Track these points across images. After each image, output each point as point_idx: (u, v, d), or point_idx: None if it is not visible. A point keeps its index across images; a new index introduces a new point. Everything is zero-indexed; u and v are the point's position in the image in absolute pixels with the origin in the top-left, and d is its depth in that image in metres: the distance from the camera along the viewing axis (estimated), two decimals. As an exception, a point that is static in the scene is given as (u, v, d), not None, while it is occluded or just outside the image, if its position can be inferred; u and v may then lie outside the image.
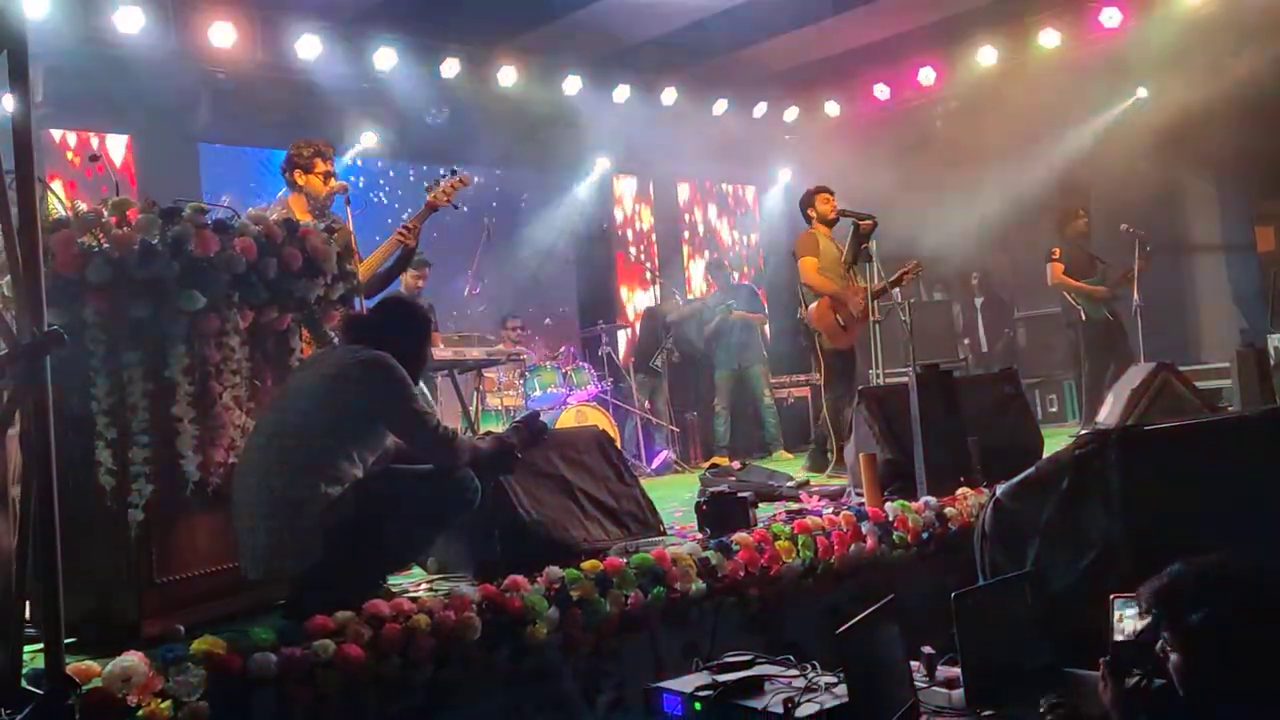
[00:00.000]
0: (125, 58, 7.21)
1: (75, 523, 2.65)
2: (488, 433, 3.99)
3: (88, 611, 2.91)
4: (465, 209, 5.14)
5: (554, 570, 3.36)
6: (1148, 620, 2.13)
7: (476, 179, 8.29)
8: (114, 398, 2.96)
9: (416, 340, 3.43)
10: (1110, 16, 8.77)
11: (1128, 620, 2.48)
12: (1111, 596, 2.56)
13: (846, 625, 2.30)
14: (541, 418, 3.80)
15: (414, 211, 5.22)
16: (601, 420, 7.82)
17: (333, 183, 4.91)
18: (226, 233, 3.17)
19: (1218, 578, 2.07)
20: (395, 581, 3.55)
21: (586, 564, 3.46)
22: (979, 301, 10.28)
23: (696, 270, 11.31)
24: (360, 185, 8.97)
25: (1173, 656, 2.07)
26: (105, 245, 2.93)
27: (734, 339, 8.94)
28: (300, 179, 4.88)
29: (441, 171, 5.29)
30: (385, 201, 8.98)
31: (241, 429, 3.27)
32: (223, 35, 7.53)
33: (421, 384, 5.12)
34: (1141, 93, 9.36)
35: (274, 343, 3.49)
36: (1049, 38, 9.19)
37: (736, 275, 10.73)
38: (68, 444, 2.90)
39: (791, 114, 10.94)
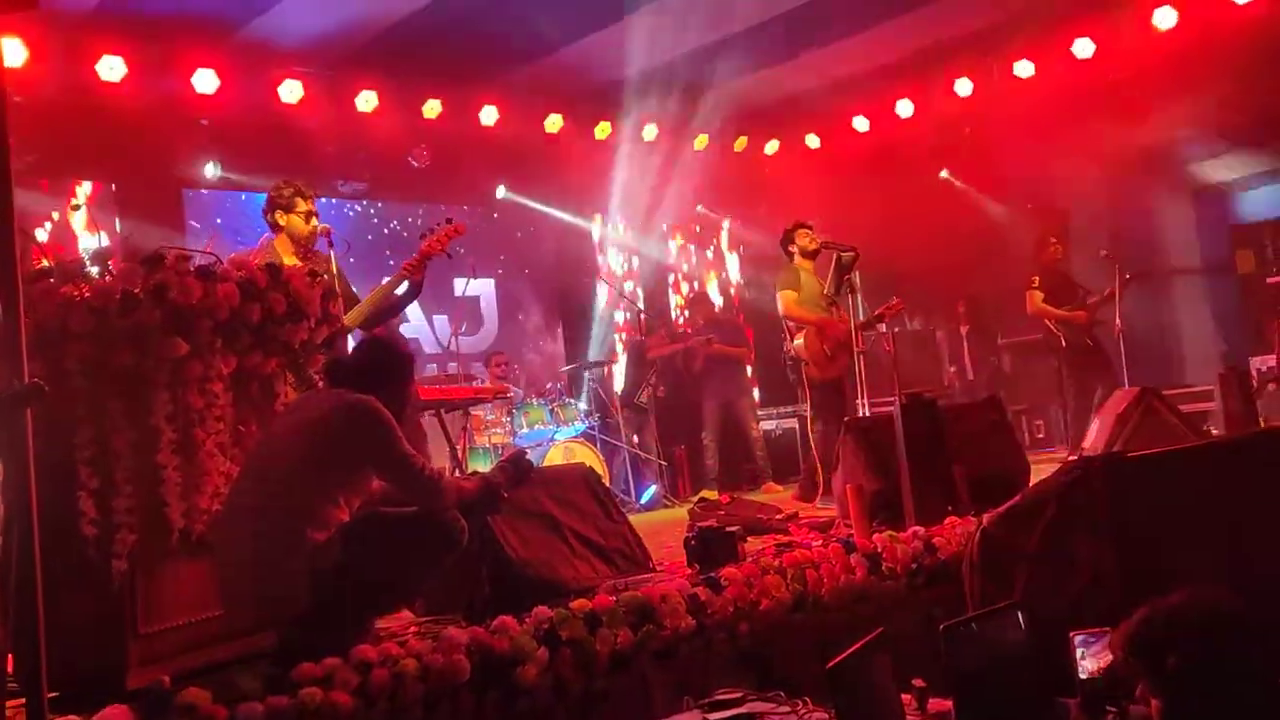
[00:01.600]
0: (107, 105, 7.24)
1: (58, 574, 2.63)
2: (474, 472, 3.97)
3: (71, 664, 2.87)
4: (451, 256, 5.16)
5: (542, 610, 3.34)
6: (1113, 657, 2.13)
7: (460, 207, 8.39)
8: (96, 446, 2.95)
9: (399, 381, 3.43)
10: (1083, 47, 8.91)
11: (1090, 658, 2.48)
12: (1071, 634, 2.56)
13: (836, 660, 2.29)
14: (528, 455, 3.79)
15: (399, 252, 5.26)
16: (589, 456, 7.81)
17: (314, 222, 4.92)
18: (209, 279, 3.17)
19: (1190, 619, 2.07)
20: (383, 625, 3.52)
21: (575, 603, 3.43)
22: (964, 329, 10.33)
23: (681, 303, 11.35)
24: (341, 227, 8.99)
25: (1154, 702, 2.06)
26: (87, 295, 2.93)
27: (717, 372, 8.98)
28: (282, 219, 4.89)
29: (430, 218, 5.36)
30: (368, 244, 8.99)
31: (226, 475, 3.25)
32: (206, 82, 7.57)
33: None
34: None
35: (258, 388, 3.49)
36: (1024, 68, 9.32)
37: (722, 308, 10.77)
38: (50, 494, 2.88)
39: (772, 147, 11.04)
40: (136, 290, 3.00)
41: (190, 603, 3.16)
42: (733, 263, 11.87)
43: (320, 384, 3.61)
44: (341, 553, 3.03)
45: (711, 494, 8.07)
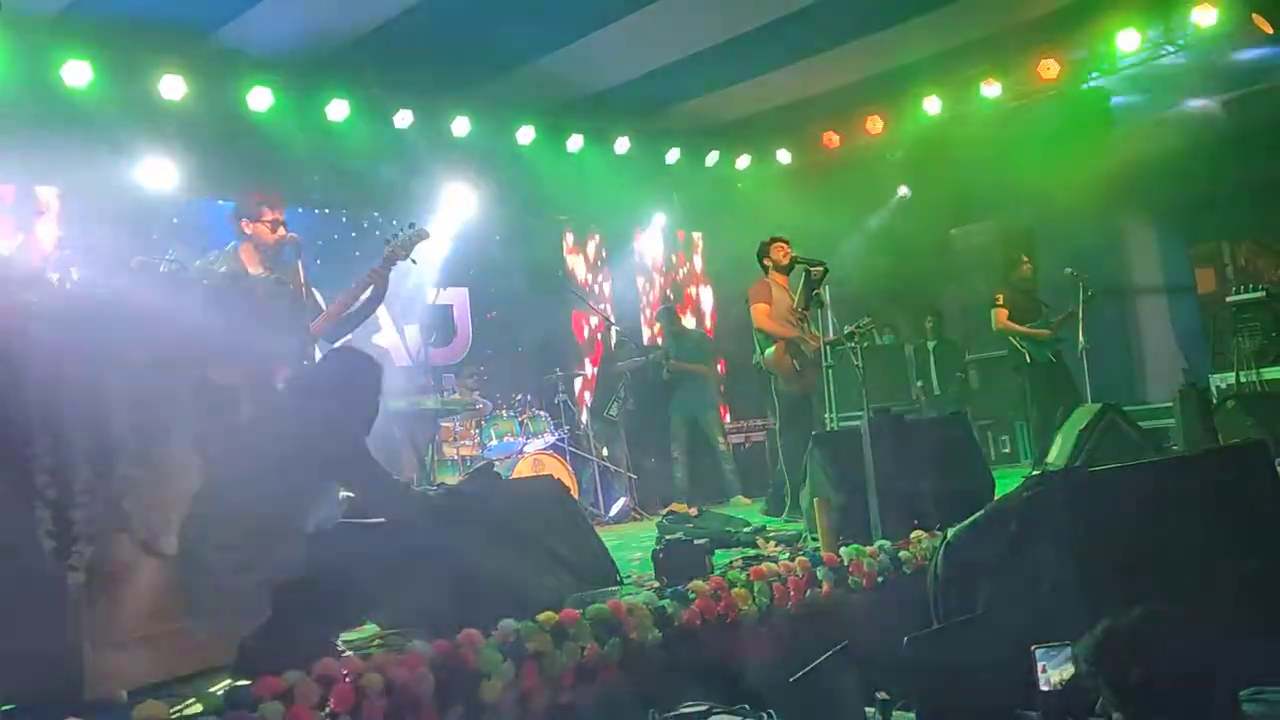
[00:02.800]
0: (72, 110, 7.16)
1: (13, 585, 2.58)
2: (442, 484, 3.95)
3: (26, 677, 2.82)
4: (415, 261, 5.14)
5: (508, 623, 3.32)
6: (1074, 669, 2.15)
7: (430, 217, 8.35)
8: (55, 457, 2.90)
9: (368, 393, 3.41)
10: (1048, 68, 9.05)
11: (1051, 672, 2.50)
12: (1032, 647, 2.59)
13: (798, 674, 2.29)
14: (496, 468, 3.78)
15: (369, 261, 5.21)
16: (559, 468, 7.79)
17: (281, 231, 4.88)
18: (172, 287, 3.14)
19: (1151, 632, 2.09)
20: (347, 638, 3.49)
21: (541, 616, 3.42)
22: (931, 344, 10.43)
23: (650, 317, 11.37)
24: (312, 236, 8.93)
25: (1115, 715, 2.08)
26: (48, 302, 2.89)
27: (684, 386, 9.01)
28: (248, 228, 4.84)
29: (397, 225, 5.32)
30: (338, 253, 8.93)
31: (188, 487, 3.21)
32: (172, 88, 7.50)
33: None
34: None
35: (221, 398, 3.45)
36: (991, 89, 9.45)
37: (694, 322, 10.81)
38: (6, 505, 2.84)
39: (744, 162, 11.10)
40: (99, 298, 2.96)
41: (149, 615, 3.11)
42: (699, 273, 11.92)
43: (286, 394, 3.59)
44: (305, 564, 3.00)
45: (681, 507, 8.07)
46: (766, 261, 6.98)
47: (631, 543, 5.80)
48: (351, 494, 3.30)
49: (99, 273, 3.05)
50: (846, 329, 6.74)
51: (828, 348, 6.39)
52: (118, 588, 3.04)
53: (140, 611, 3.10)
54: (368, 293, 4.98)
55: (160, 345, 3.09)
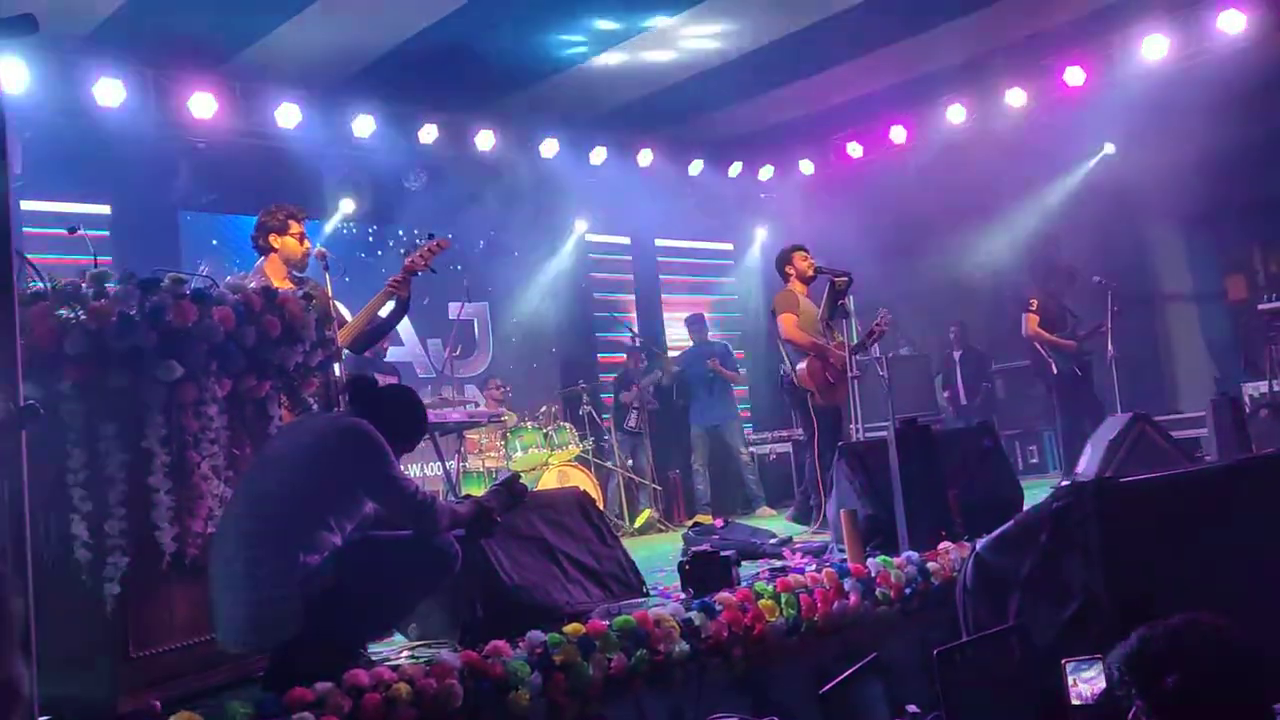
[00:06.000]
0: (105, 129, 7.28)
1: (50, 598, 2.62)
2: (467, 496, 3.97)
3: (62, 689, 2.85)
4: (435, 271, 5.18)
5: (536, 635, 3.33)
6: (1108, 684, 2.12)
7: (451, 237, 8.36)
8: (90, 470, 2.94)
9: (411, 430, 3.44)
10: (1074, 75, 9.00)
11: (1082, 684, 2.47)
12: (1063, 661, 2.56)
13: (828, 686, 2.29)
14: (521, 479, 3.79)
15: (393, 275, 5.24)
16: (583, 480, 7.81)
17: (308, 244, 4.93)
18: (205, 302, 3.18)
19: (1189, 640, 2.07)
20: (376, 649, 3.51)
21: (569, 627, 3.42)
22: (957, 354, 10.37)
23: (674, 328, 11.37)
24: (339, 250, 9.02)
25: None
26: (83, 317, 2.93)
27: (703, 397, 9.00)
28: (275, 241, 4.88)
29: (416, 233, 5.35)
30: (365, 266, 9.01)
31: (220, 498, 3.24)
32: (203, 106, 7.62)
33: None
34: (1109, 149, 9.59)
35: (253, 410, 3.49)
36: (1015, 97, 9.41)
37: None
38: (43, 518, 2.88)
39: (767, 173, 11.11)
40: (132, 313, 3.00)
41: (182, 627, 3.15)
42: (724, 284, 11.92)
43: (314, 407, 3.62)
44: (334, 577, 3.02)
45: (706, 518, 8.06)
46: (789, 270, 6.92)
47: (657, 554, 5.80)
48: (379, 506, 3.32)
49: (131, 287, 3.05)
50: (867, 330, 6.70)
51: (852, 358, 6.35)
52: (152, 600, 3.08)
53: (173, 623, 3.13)
54: (390, 304, 5.01)
55: (193, 358, 3.12)
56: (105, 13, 6.86)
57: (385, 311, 5.04)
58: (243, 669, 3.20)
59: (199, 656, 3.16)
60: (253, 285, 3.52)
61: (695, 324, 9.74)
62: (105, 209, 7.93)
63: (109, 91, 7.20)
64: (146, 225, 8.01)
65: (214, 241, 8.38)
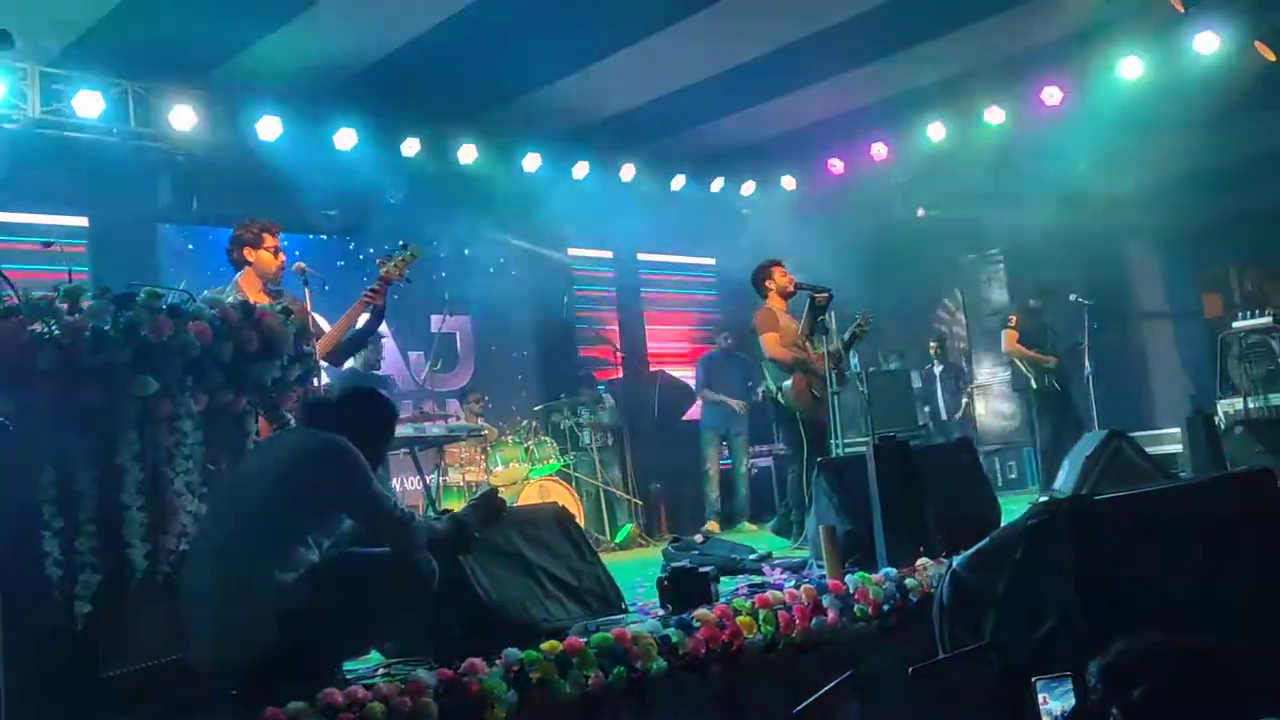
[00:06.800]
0: (83, 141, 7.24)
1: (19, 616, 2.59)
2: (444, 512, 3.95)
3: (32, 707, 2.82)
4: (410, 281, 5.20)
5: (512, 652, 3.31)
6: (1086, 693, 2.14)
7: (436, 244, 8.35)
8: (61, 486, 2.92)
9: (379, 431, 3.41)
10: (1051, 95, 9.09)
11: (1052, 702, 2.49)
12: (1033, 679, 2.58)
13: (801, 705, 2.29)
14: (500, 494, 3.77)
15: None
16: (565, 495, 7.79)
17: (283, 256, 4.95)
18: (181, 317, 3.17)
19: (1162, 654, 2.09)
20: (351, 667, 3.48)
21: (546, 645, 3.41)
22: (937, 370, 10.42)
23: (656, 342, 11.38)
24: (319, 263, 8.98)
25: None
26: (56, 332, 2.91)
27: (720, 405, 9.03)
28: (250, 255, 4.88)
29: (388, 247, 5.34)
30: (345, 277, 8.99)
31: (194, 515, 3.22)
32: (183, 118, 7.59)
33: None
34: (1083, 166, 9.69)
35: (229, 426, 3.47)
36: (994, 115, 9.49)
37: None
38: (13, 534, 2.85)
39: (749, 188, 11.15)
40: (106, 328, 2.98)
41: (154, 645, 3.12)
42: (707, 299, 11.94)
43: (293, 422, 3.60)
44: (309, 594, 3.00)
45: (715, 526, 8.05)
46: (769, 285, 6.86)
47: (637, 570, 5.79)
48: (356, 522, 3.30)
49: (106, 302, 3.03)
50: (845, 334, 6.70)
51: (832, 370, 6.35)
52: (123, 618, 3.05)
53: (145, 641, 3.10)
54: (366, 314, 5.00)
55: (169, 373, 3.10)
56: (86, 25, 6.83)
57: (361, 322, 5.03)
58: (215, 688, 3.16)
59: (171, 675, 3.13)
60: (230, 300, 3.51)
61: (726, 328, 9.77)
62: (83, 221, 7.87)
63: (88, 103, 7.16)
64: (125, 238, 7.95)
65: (190, 247, 8.32)
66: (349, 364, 6.24)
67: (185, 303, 3.24)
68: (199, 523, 3.19)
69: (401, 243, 5.16)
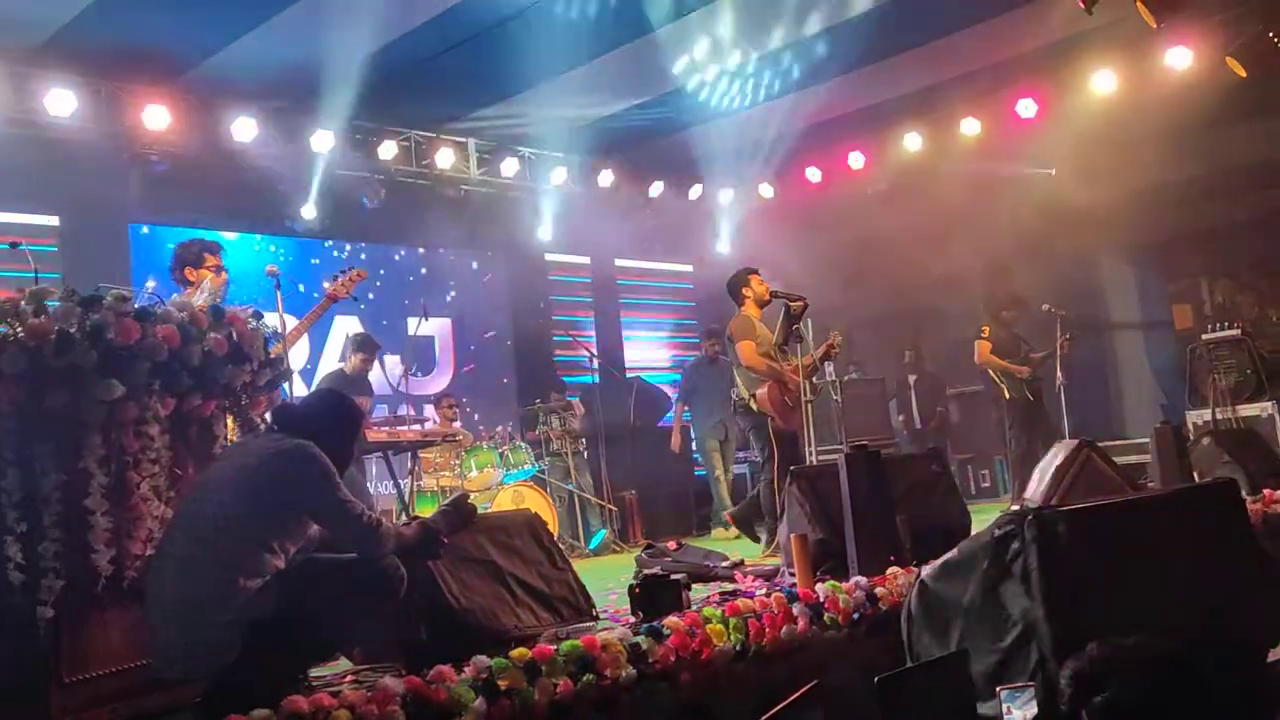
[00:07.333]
0: (55, 140, 7.18)
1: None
2: (414, 518, 3.94)
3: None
4: (356, 299, 5.64)
5: (481, 659, 3.29)
6: (1057, 698, 2.17)
7: (422, 251, 8.32)
8: (25, 490, 2.88)
9: (345, 433, 3.39)
10: (1026, 107, 9.18)
11: (1016, 712, 2.51)
12: (998, 689, 2.60)
13: (768, 715, 2.29)
14: (470, 500, 3.76)
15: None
16: (539, 499, 7.78)
17: (224, 275, 5.04)
18: (149, 320, 3.14)
19: (1126, 661, 2.11)
20: (319, 673, 3.46)
21: (515, 652, 3.39)
22: (912, 379, 10.48)
23: (633, 349, 11.39)
24: (295, 263, 8.96)
25: None
26: (20, 334, 2.89)
27: (721, 410, 9.01)
28: (192, 275, 4.98)
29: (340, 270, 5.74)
30: (319, 275, 8.95)
31: (160, 520, 3.19)
32: (157, 118, 7.54)
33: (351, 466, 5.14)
34: (1051, 171, 9.79)
35: (197, 430, 3.44)
36: (970, 126, 9.58)
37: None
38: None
39: (727, 196, 11.18)
40: (72, 330, 2.96)
41: (118, 651, 3.09)
42: (683, 306, 11.96)
43: (261, 428, 3.58)
44: (275, 601, 2.98)
45: (730, 531, 8.00)
46: (746, 292, 6.88)
47: (610, 576, 5.79)
48: (323, 528, 3.28)
49: (72, 305, 3.01)
50: (818, 351, 6.73)
51: (806, 380, 6.38)
52: (86, 623, 3.02)
53: (108, 648, 3.07)
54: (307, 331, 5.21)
55: (135, 377, 3.08)
56: (59, 24, 6.77)
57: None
58: (179, 695, 3.13)
59: (134, 682, 3.10)
60: (200, 303, 3.50)
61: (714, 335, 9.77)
62: (54, 220, 7.80)
63: (60, 102, 7.10)
64: (96, 238, 7.89)
65: (167, 247, 8.27)
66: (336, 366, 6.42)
67: (153, 305, 3.21)
68: (165, 528, 3.16)
69: (349, 265, 5.69)
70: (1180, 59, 8.35)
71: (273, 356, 3.59)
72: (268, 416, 3.58)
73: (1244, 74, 7.87)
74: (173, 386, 3.23)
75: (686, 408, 9.46)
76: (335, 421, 3.35)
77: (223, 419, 3.55)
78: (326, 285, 5.52)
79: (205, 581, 2.93)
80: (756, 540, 6.74)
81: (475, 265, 10.17)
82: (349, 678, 3.52)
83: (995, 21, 8.09)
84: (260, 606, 2.96)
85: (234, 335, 3.41)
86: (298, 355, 7.81)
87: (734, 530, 8.33)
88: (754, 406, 6.70)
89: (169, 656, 2.98)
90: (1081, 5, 6.01)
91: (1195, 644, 2.35)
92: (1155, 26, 6.62)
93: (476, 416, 9.66)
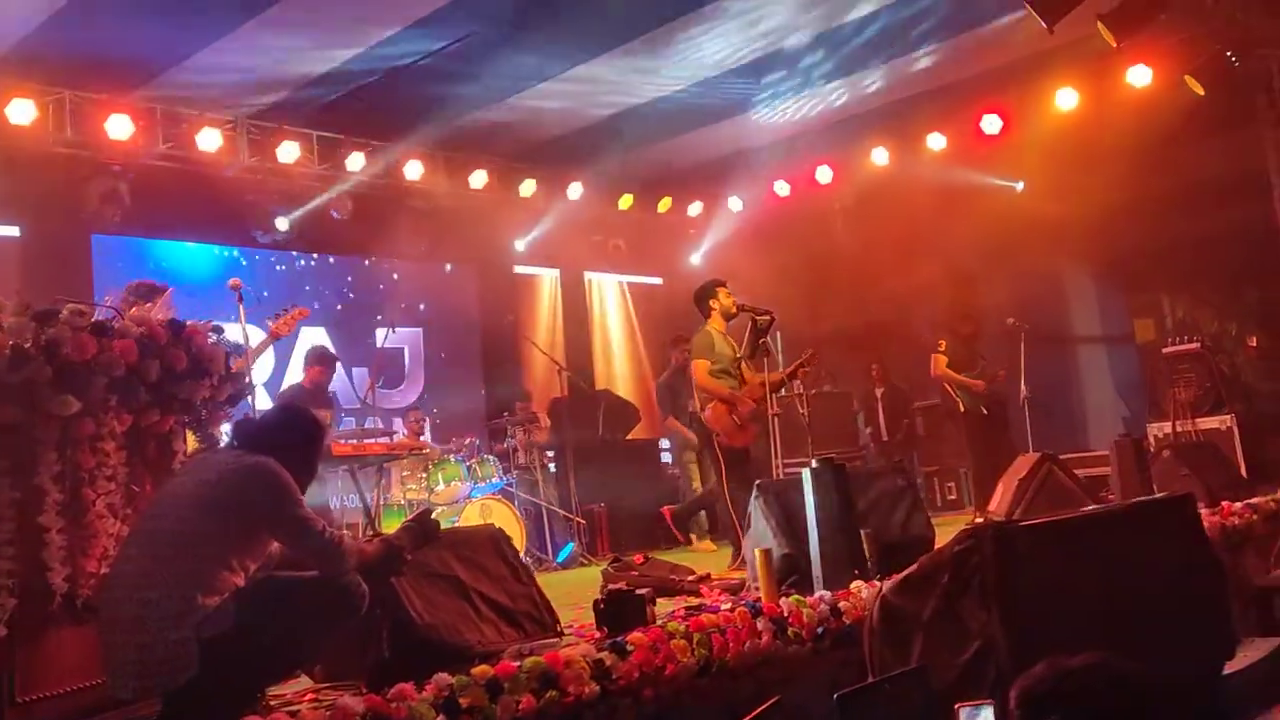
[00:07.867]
0: (16, 149, 7.09)
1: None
2: (376, 534, 3.91)
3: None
4: (296, 336, 5.81)
5: (442, 677, 3.27)
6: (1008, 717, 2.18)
7: (395, 268, 8.28)
8: (-23, 507, 2.84)
9: (306, 449, 3.36)
10: (991, 123, 9.29)
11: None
12: (956, 706, 2.61)
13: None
14: (434, 515, 3.75)
15: (319, 298, 5.44)
16: (506, 513, 7.74)
17: (173, 314, 5.10)
18: (106, 334, 3.10)
19: (1075, 682, 2.13)
20: (278, 693, 3.42)
21: (476, 669, 3.37)
22: (879, 391, 10.53)
23: (603, 362, 11.39)
24: (262, 274, 8.88)
25: None
26: (-26, 349, 2.85)
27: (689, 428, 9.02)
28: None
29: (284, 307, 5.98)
30: (288, 288, 8.88)
31: (116, 537, 3.15)
32: (120, 128, 7.46)
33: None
34: (1020, 186, 9.91)
35: (155, 446, 3.40)
36: (936, 141, 9.68)
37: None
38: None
39: (695, 208, 11.23)
40: (27, 345, 2.92)
41: (72, 670, 3.04)
42: (655, 318, 11.97)
43: (222, 444, 3.55)
44: (234, 619, 2.94)
45: (725, 547, 7.93)
46: (713, 304, 6.84)
47: (577, 591, 5.77)
48: (283, 545, 3.25)
49: (26, 320, 2.97)
50: (788, 369, 6.75)
51: (772, 394, 6.40)
52: (40, 642, 2.97)
53: (63, 667, 3.03)
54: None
55: (91, 392, 3.04)
56: (21, 34, 6.70)
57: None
58: (135, 714, 3.09)
59: (89, 702, 3.05)
60: (159, 317, 3.46)
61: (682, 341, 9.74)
62: (14, 231, 7.70)
63: (21, 111, 7.02)
64: (58, 249, 7.79)
65: (138, 256, 8.19)
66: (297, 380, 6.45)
67: (111, 320, 3.18)
68: (120, 546, 3.12)
69: (292, 303, 5.90)
70: (1141, 77, 8.49)
71: (234, 371, 3.55)
72: (227, 431, 3.54)
73: (1202, 92, 8.01)
74: (130, 402, 3.20)
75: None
76: (296, 436, 3.32)
77: (182, 434, 3.51)
78: (269, 323, 5.72)
79: (162, 599, 2.89)
80: (686, 542, 6.75)
81: (448, 274, 10.14)
82: (309, 697, 3.48)
83: (961, 39, 8.20)
84: (218, 624, 2.93)
85: (193, 350, 3.38)
86: (262, 368, 7.73)
87: (714, 545, 8.32)
88: (704, 423, 6.72)
89: (124, 675, 2.93)
90: (1044, 25, 6.11)
91: (1147, 662, 2.37)
92: (1116, 45, 6.73)
93: (445, 429, 9.61)
